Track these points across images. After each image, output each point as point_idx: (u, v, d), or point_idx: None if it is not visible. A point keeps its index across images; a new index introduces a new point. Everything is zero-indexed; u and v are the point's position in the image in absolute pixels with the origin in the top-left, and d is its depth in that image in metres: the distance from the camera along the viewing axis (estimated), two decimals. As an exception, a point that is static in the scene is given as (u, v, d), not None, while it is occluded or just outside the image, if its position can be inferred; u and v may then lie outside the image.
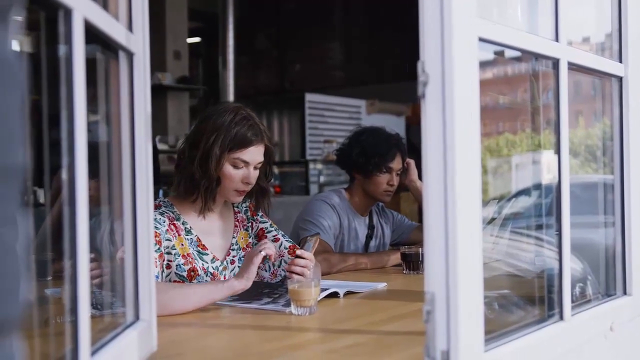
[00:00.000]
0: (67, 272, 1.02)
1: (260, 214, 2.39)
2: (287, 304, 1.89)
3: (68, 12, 0.98)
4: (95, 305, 1.32)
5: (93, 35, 1.10)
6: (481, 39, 1.22)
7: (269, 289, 2.11)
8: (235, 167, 2.16)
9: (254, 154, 2.17)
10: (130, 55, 1.33)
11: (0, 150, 0.57)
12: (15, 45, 0.61)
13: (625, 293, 1.78)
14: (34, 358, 1.07)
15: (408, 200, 6.47)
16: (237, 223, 2.34)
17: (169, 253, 2.11)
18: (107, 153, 1.34)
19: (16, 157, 0.58)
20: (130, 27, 1.33)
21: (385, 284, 2.35)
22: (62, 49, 1.00)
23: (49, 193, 1.79)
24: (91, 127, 1.08)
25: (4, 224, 0.57)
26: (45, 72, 1.06)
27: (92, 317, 1.05)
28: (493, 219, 2.22)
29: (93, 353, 1.07)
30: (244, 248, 2.32)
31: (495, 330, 1.32)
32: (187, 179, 2.17)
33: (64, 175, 0.99)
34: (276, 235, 2.36)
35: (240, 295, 2.05)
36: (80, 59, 1.00)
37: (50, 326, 1.22)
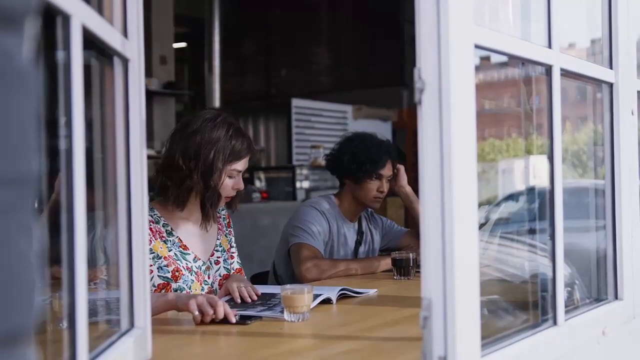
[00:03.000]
0: (63, 279, 1.01)
1: (231, 227, 2.50)
2: (277, 312, 1.89)
3: (66, 19, 0.97)
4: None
5: (89, 41, 1.09)
6: (477, 46, 1.23)
7: (262, 300, 2.10)
8: (230, 177, 2.26)
9: (246, 162, 2.30)
10: (125, 61, 1.32)
11: (16, 158, 0.57)
12: (29, 53, 0.61)
13: (616, 298, 1.79)
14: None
15: (394, 205, 6.48)
16: (220, 227, 2.42)
17: None
18: (102, 159, 1.33)
19: (31, 165, 0.58)
20: (125, 33, 1.32)
21: (376, 290, 2.35)
22: (59, 55, 1.00)
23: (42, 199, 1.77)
24: (86, 133, 1.08)
25: (19, 232, 0.56)
26: (41, 77, 1.05)
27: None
28: (482, 225, 2.23)
29: (90, 361, 1.06)
30: (227, 250, 2.41)
31: (490, 335, 1.33)
32: (186, 191, 2.22)
33: (62, 181, 0.99)
34: (234, 253, 2.47)
35: (234, 303, 2.04)
36: (79, 64, 1.00)
37: (46, 333, 1.21)
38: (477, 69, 1.45)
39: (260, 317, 1.87)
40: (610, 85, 1.80)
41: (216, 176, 2.21)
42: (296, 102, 8.14)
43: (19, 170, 0.57)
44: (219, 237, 2.39)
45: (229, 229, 2.47)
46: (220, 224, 2.43)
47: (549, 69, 1.50)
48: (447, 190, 1.14)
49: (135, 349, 1.30)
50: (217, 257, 2.36)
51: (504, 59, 1.56)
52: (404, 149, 7.20)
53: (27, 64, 0.60)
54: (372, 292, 2.33)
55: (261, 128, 8.62)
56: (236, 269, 2.42)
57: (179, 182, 2.21)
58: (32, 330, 0.58)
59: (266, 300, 2.10)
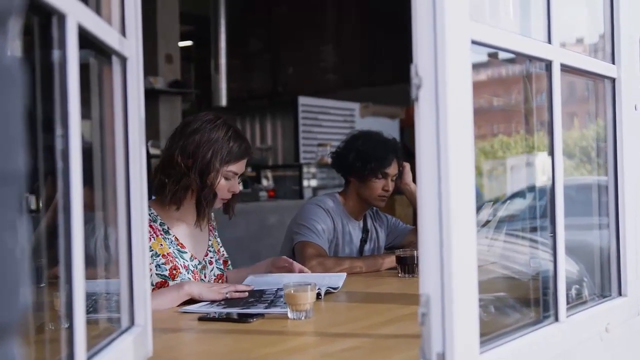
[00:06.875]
0: (61, 277, 1.01)
1: (216, 231, 2.53)
2: (285, 307, 1.88)
3: (62, 17, 0.98)
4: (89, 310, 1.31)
5: (86, 40, 1.10)
6: (474, 42, 1.23)
7: (253, 298, 2.09)
8: (226, 179, 2.29)
9: (242, 166, 2.33)
10: (123, 60, 1.32)
11: (1, 155, 0.57)
12: (14, 51, 0.61)
13: (620, 294, 1.79)
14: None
15: (402, 203, 6.47)
16: (211, 228, 2.47)
17: None
18: (101, 159, 1.34)
19: (17, 162, 0.59)
20: (123, 32, 1.33)
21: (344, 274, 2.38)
22: (55, 54, 1.00)
23: (44, 199, 1.78)
24: (84, 133, 1.08)
25: (4, 228, 0.57)
26: (37, 77, 1.05)
27: (87, 322, 1.05)
28: (488, 222, 2.22)
29: (89, 359, 1.07)
30: (217, 252, 2.45)
31: (491, 332, 1.32)
32: (182, 189, 2.25)
33: (59, 181, 0.99)
34: (223, 254, 2.50)
35: (226, 302, 2.04)
36: (75, 64, 1.00)
37: (45, 332, 1.21)
38: (486, 65, 1.45)
39: (262, 315, 1.87)
40: (613, 80, 1.79)
41: (212, 175, 2.24)
42: (303, 100, 8.15)
43: (5, 168, 0.57)
44: (210, 238, 2.44)
45: (215, 232, 2.51)
46: (211, 226, 2.47)
47: (548, 65, 1.50)
48: (444, 186, 1.14)
49: (135, 346, 1.31)
50: (210, 258, 2.41)
51: (512, 55, 1.55)
52: (412, 147, 7.19)
53: (13, 62, 0.61)
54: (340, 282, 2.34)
55: (268, 126, 8.63)
56: (217, 274, 2.42)
57: (177, 179, 2.23)
58: (18, 326, 0.58)
59: (258, 298, 2.09)
